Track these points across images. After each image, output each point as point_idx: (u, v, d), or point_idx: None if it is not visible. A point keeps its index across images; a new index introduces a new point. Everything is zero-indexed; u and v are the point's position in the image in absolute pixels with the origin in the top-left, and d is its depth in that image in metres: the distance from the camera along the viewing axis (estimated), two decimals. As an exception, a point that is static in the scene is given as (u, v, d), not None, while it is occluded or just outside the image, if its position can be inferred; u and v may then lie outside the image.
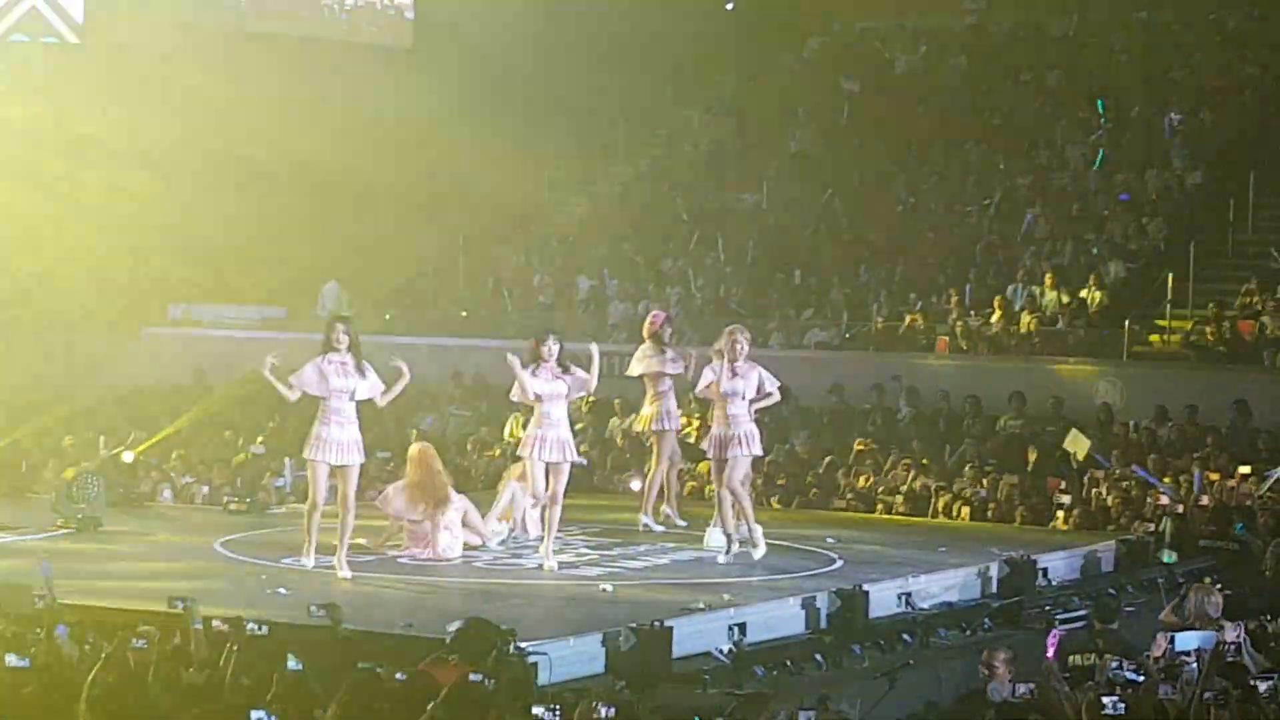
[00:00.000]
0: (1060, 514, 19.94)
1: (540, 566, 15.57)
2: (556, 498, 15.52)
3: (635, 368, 17.87)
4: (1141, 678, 10.77)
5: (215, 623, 11.30)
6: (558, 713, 9.59)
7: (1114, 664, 11.06)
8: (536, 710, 9.60)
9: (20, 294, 30.21)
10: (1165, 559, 17.94)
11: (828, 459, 23.02)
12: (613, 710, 9.53)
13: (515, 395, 15.71)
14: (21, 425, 24.61)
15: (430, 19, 32.25)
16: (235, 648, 10.81)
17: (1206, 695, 9.77)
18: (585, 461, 21.13)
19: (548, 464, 15.44)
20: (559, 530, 15.99)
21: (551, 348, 15.46)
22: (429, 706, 9.77)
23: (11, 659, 10.45)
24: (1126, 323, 25.79)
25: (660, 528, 17.47)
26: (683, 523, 17.55)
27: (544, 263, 31.19)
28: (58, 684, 10.56)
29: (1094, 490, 20.76)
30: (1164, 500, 19.47)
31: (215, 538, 17.13)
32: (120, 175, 29.74)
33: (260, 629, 11.15)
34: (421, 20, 32.67)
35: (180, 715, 10.11)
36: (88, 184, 29.98)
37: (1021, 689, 10.14)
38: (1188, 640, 11.89)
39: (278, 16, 32.67)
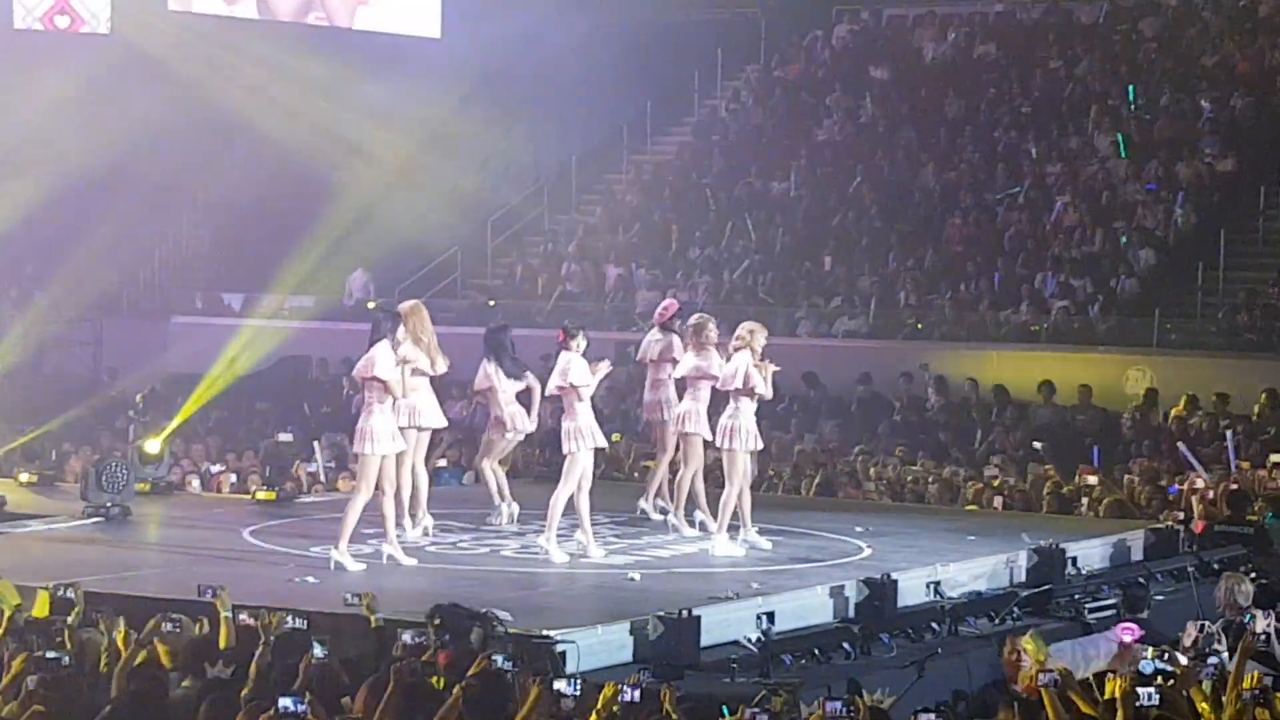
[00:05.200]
0: (1089, 502, 19.84)
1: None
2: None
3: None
4: (1172, 668, 10.71)
5: (242, 617, 11.30)
6: (578, 686, 9.64)
7: (1144, 654, 10.99)
8: (558, 685, 9.70)
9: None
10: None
11: (856, 448, 22.96)
12: (637, 693, 9.56)
13: (569, 381, 15.69)
14: (52, 415, 24.64)
15: (457, 4, 32.19)
16: (264, 640, 10.81)
17: (1247, 694, 9.65)
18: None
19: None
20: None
21: (582, 342, 15.63)
22: (454, 690, 9.81)
23: (49, 653, 10.47)
24: (1157, 311, 25.70)
25: (659, 516, 17.37)
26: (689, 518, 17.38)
27: (572, 251, 31.16)
28: (85, 674, 10.58)
29: (1124, 478, 20.68)
30: (1199, 484, 19.35)
31: (244, 526, 17.14)
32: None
33: (295, 621, 11.17)
34: (449, 6, 32.61)
35: (204, 703, 10.12)
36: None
37: (1044, 678, 10.06)
38: None
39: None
